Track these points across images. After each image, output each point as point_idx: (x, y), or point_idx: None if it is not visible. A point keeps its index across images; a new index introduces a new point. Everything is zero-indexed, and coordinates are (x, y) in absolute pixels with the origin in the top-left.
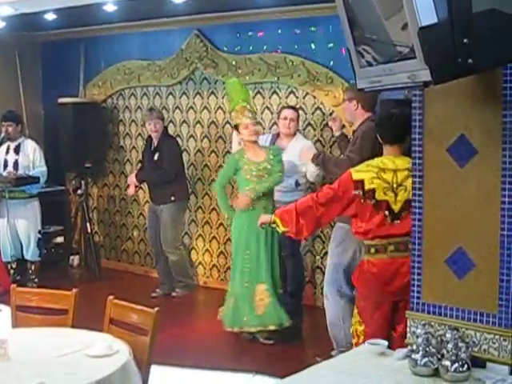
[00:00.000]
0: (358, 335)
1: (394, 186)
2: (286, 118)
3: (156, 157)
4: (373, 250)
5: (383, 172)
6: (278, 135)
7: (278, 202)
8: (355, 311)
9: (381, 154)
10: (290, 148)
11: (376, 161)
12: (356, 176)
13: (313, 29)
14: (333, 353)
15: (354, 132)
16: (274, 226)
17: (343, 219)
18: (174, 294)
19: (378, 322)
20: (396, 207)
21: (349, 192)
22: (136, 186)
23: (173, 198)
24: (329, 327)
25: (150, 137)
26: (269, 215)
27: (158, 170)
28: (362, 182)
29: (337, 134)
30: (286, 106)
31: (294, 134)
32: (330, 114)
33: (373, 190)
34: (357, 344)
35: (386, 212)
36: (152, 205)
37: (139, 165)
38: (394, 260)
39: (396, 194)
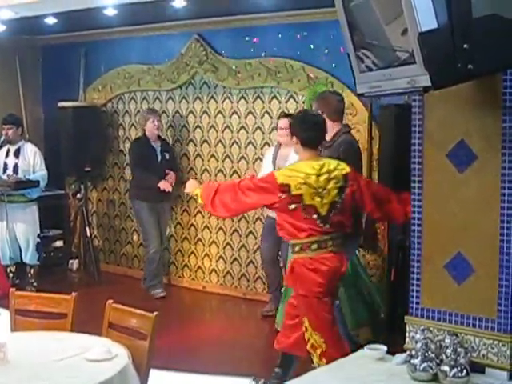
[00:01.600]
0: (319, 345)
1: (320, 190)
2: (281, 128)
3: (167, 156)
4: (315, 246)
5: (308, 177)
6: (280, 144)
7: None
8: (305, 323)
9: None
10: (291, 158)
11: (300, 165)
12: (281, 180)
13: (313, 33)
14: None
15: (326, 147)
16: (195, 196)
17: None
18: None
19: (328, 319)
20: (323, 210)
21: (274, 193)
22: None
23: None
24: None
25: (144, 136)
26: (196, 184)
27: (171, 169)
28: (288, 186)
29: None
30: (281, 115)
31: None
32: None
33: (300, 195)
34: (323, 355)
35: (315, 216)
36: (153, 204)
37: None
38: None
39: (322, 198)
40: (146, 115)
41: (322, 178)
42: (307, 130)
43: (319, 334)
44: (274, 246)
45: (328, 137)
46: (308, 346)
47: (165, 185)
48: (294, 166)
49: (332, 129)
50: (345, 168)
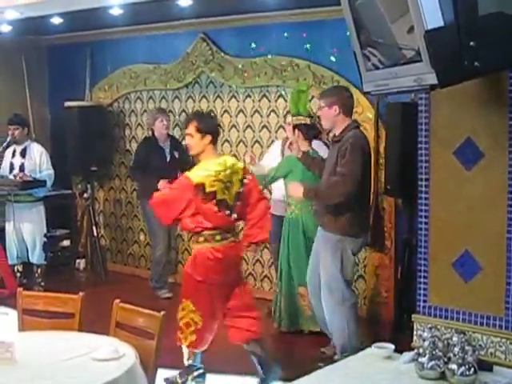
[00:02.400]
0: (196, 322)
1: (228, 184)
2: (289, 124)
3: (177, 154)
4: (218, 237)
5: (219, 174)
6: (286, 140)
7: None
8: (188, 303)
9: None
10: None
11: (210, 164)
12: (197, 180)
13: (318, 32)
14: (335, 357)
15: (335, 141)
16: None
17: (333, 229)
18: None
19: (213, 304)
20: (231, 202)
21: (188, 194)
22: None
23: None
24: (333, 336)
25: (153, 136)
26: None
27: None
28: (202, 185)
29: (299, 154)
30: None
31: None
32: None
33: (214, 192)
34: (197, 331)
35: (226, 209)
36: None
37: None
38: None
39: (229, 191)
40: (154, 115)
41: (228, 173)
42: (215, 128)
43: (199, 313)
44: None
45: (337, 131)
46: (181, 323)
47: (163, 184)
48: (204, 165)
49: (342, 123)
50: (239, 163)
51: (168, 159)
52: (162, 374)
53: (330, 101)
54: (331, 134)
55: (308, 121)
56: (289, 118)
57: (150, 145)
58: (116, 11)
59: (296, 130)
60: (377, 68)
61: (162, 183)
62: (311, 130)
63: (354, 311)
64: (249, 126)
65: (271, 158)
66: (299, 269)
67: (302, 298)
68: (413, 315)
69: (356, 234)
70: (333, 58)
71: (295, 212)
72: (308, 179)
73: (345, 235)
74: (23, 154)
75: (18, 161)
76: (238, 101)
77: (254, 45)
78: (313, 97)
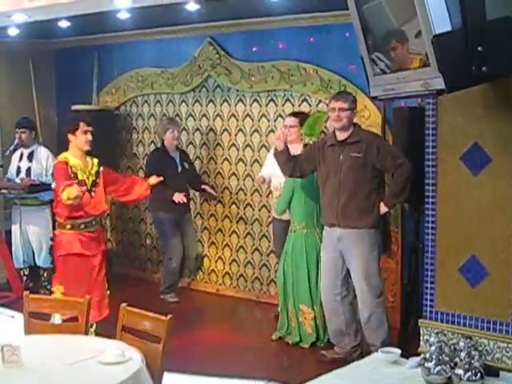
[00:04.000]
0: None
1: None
2: (291, 126)
3: (187, 165)
4: (83, 226)
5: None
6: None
7: None
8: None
9: None
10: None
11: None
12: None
13: (325, 36)
14: (336, 349)
15: (350, 143)
16: None
17: (366, 224)
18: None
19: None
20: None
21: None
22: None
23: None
24: (371, 333)
25: (163, 147)
26: None
27: (194, 179)
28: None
29: (282, 147)
30: (289, 114)
31: (298, 140)
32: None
33: (84, 181)
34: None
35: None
36: (174, 216)
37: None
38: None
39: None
40: (165, 125)
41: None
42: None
43: (61, 285)
44: None
45: (346, 133)
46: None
47: (179, 197)
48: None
49: (350, 127)
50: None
51: (180, 169)
52: (169, 377)
53: (352, 104)
54: (342, 137)
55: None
56: (289, 120)
57: (161, 155)
58: (123, 15)
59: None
60: (384, 73)
61: (177, 196)
62: None
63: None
64: (256, 130)
65: (270, 163)
66: (303, 287)
67: (303, 315)
68: (419, 320)
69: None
70: (339, 63)
71: (300, 231)
72: (310, 196)
73: (378, 228)
74: (30, 157)
75: (24, 164)
76: (245, 105)
77: (261, 49)
78: (320, 101)
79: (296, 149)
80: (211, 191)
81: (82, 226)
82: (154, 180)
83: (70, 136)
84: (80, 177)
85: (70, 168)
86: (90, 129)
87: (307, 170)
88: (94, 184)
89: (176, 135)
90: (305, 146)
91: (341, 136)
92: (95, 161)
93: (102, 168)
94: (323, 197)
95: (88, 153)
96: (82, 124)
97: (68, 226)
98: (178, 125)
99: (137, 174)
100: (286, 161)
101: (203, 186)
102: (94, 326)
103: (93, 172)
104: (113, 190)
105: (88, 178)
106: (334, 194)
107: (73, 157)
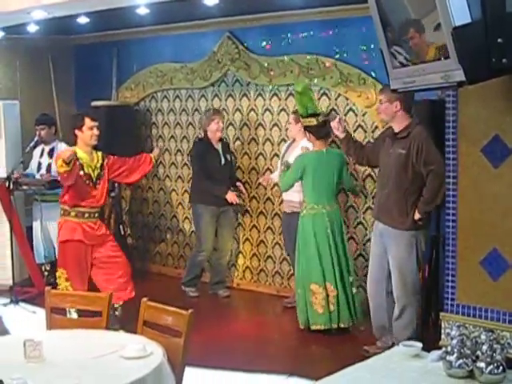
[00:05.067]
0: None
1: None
2: (290, 123)
3: (229, 157)
4: (86, 215)
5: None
6: (294, 140)
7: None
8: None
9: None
10: (297, 151)
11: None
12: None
13: (344, 30)
14: (378, 343)
15: (402, 137)
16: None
17: (406, 226)
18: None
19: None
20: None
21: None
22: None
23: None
24: (399, 329)
25: (206, 138)
26: None
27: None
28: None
29: (342, 135)
30: (293, 111)
31: (303, 135)
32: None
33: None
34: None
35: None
36: (214, 208)
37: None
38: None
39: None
40: (210, 116)
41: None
42: None
43: (65, 270)
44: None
45: (398, 127)
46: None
47: (233, 197)
48: None
49: (403, 119)
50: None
51: (223, 162)
52: (190, 372)
53: (391, 96)
54: (396, 130)
55: (315, 121)
56: (291, 117)
57: (205, 147)
58: (142, 10)
59: (307, 133)
60: (403, 65)
61: (231, 196)
62: (322, 129)
63: (420, 305)
64: (275, 124)
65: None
66: (314, 265)
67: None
68: (441, 313)
69: (427, 226)
70: (359, 56)
71: (320, 210)
72: (320, 176)
73: (418, 229)
74: (51, 153)
75: (45, 160)
76: (264, 99)
77: (280, 43)
78: (339, 95)
79: (316, 147)
80: (243, 190)
81: (86, 215)
82: (156, 152)
83: (77, 132)
84: (86, 170)
85: (77, 159)
86: (95, 124)
87: (372, 159)
88: (99, 177)
89: (221, 126)
90: (305, 128)
91: (395, 129)
92: (99, 154)
93: (106, 160)
94: (376, 189)
95: (94, 147)
96: (87, 119)
97: (73, 213)
98: (222, 116)
99: (157, 168)
100: (347, 149)
101: (238, 184)
102: (120, 309)
103: (98, 165)
104: (116, 175)
105: (93, 171)
106: (380, 188)
107: (81, 151)
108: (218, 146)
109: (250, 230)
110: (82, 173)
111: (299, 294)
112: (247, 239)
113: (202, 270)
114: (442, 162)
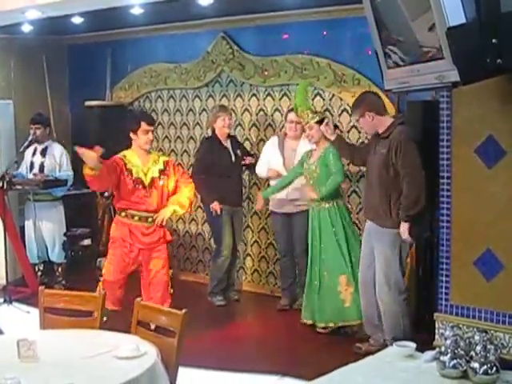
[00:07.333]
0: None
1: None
2: (292, 122)
3: (239, 152)
4: (136, 218)
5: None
6: (285, 135)
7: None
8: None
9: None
10: (300, 149)
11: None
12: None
13: (339, 30)
14: (371, 340)
15: (383, 138)
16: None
17: (390, 224)
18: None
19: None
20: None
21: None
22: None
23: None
24: (386, 328)
25: (214, 135)
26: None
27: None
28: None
29: (332, 137)
30: (291, 109)
31: (300, 135)
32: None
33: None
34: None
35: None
36: (228, 207)
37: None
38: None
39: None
40: (216, 113)
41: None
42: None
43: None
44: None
45: (381, 130)
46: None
47: (216, 207)
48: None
49: (383, 123)
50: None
51: (233, 159)
52: (184, 372)
53: (361, 112)
54: (380, 131)
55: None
56: (290, 115)
57: (213, 145)
58: (137, 10)
59: (324, 125)
60: (398, 66)
61: (215, 205)
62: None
63: (407, 304)
64: (269, 124)
65: (272, 157)
66: (336, 259)
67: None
68: (434, 314)
69: (417, 224)
70: (353, 57)
71: (323, 205)
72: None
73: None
74: (44, 153)
75: (38, 160)
76: (258, 99)
77: (274, 43)
78: (333, 95)
79: (295, 145)
80: (250, 159)
81: (136, 218)
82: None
83: (131, 135)
84: (135, 174)
85: (124, 164)
86: (151, 128)
87: (365, 160)
88: (153, 182)
89: (227, 123)
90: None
91: (379, 131)
92: (161, 159)
93: (171, 164)
94: (364, 188)
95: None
96: (143, 123)
97: (123, 214)
98: (229, 112)
99: None
100: (340, 150)
101: (245, 157)
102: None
103: (154, 169)
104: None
105: (146, 174)
106: (367, 187)
107: (134, 155)
108: (227, 143)
109: (244, 229)
110: (129, 177)
111: (314, 286)
112: (255, 241)
113: (225, 273)
114: (419, 165)
